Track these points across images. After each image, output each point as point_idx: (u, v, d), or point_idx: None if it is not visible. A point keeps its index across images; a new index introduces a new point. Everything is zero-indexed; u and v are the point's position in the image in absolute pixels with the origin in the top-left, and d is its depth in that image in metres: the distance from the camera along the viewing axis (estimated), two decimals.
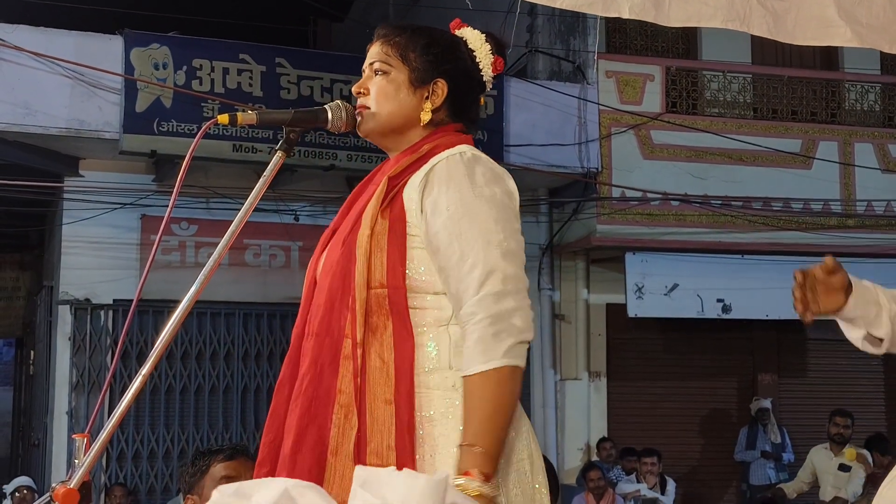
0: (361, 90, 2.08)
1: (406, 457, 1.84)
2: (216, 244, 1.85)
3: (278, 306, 9.43)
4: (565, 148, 9.79)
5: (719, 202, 10.14)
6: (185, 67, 8.65)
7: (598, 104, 10.00)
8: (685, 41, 10.80)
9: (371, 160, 8.72)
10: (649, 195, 9.99)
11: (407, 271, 1.93)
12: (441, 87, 2.07)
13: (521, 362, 1.86)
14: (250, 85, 8.86)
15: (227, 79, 8.80)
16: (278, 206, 9.25)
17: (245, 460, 2.87)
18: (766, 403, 10.42)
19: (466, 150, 2.00)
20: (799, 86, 10.97)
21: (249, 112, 1.93)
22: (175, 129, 8.46)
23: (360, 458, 1.85)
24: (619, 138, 10.12)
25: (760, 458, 10.08)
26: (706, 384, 10.96)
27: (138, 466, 9.27)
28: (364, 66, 2.11)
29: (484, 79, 2.15)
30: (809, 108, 10.96)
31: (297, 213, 9.48)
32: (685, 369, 10.86)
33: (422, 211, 1.93)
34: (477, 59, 2.13)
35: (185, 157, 1.82)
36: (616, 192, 10.05)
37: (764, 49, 10.76)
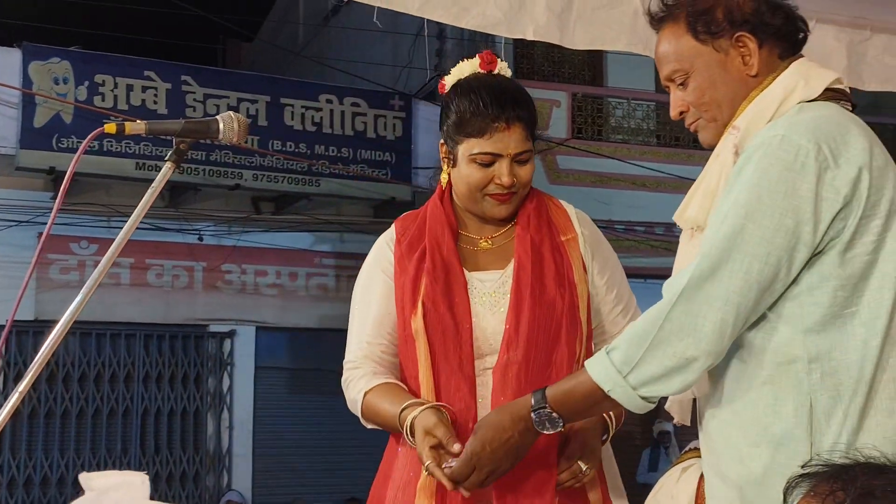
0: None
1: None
2: (117, 264, 1.78)
3: (180, 327, 9.25)
4: None
5: (623, 227, 10.30)
6: (86, 83, 8.48)
7: None
8: (591, 68, 10.97)
9: (277, 180, 8.62)
10: None
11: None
12: None
13: None
14: (155, 102, 8.72)
15: (130, 95, 8.66)
16: (182, 225, 9.08)
17: None
18: (668, 426, 10.56)
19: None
20: None
21: (138, 122, 1.87)
22: (75, 146, 8.26)
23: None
24: None
25: None
26: None
27: (30, 493, 8.95)
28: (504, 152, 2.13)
29: None
30: None
31: (202, 232, 9.32)
32: None
33: (593, 262, 2.26)
34: None
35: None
36: None
37: None
